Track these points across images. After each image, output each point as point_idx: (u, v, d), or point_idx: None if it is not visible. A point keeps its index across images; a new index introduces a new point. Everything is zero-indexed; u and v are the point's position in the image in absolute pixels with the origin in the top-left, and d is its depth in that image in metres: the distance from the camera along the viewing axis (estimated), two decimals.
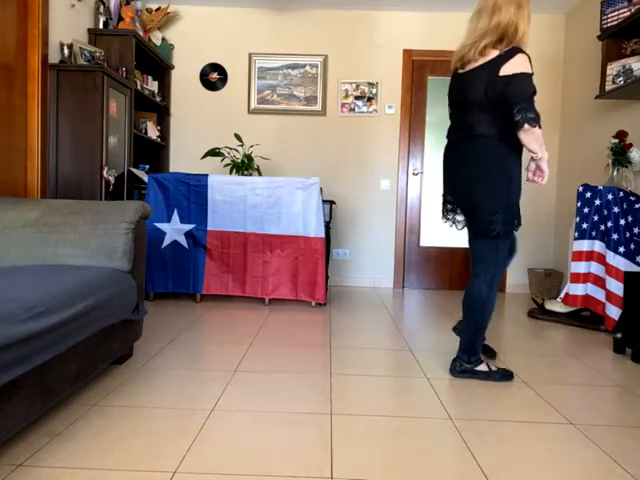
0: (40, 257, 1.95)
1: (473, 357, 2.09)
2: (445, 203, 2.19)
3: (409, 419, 1.65)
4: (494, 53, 1.91)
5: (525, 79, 1.84)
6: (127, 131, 3.61)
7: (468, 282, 2.13)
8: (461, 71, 2.04)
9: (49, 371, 1.43)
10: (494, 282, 2.04)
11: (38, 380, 1.38)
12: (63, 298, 1.47)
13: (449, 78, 2.14)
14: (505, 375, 2.08)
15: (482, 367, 2.09)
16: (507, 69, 1.85)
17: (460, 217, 2.15)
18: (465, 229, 2.16)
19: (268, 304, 3.48)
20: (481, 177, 1.95)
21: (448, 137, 2.15)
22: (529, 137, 1.86)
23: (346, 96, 4.47)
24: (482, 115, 1.94)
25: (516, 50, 1.87)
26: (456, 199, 2.11)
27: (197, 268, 3.45)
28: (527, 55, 1.88)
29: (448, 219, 2.19)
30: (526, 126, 1.83)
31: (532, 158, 1.96)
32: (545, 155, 1.91)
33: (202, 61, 4.49)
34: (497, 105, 1.89)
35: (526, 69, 1.85)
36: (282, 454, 1.39)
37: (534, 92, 1.85)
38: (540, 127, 1.85)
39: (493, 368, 2.10)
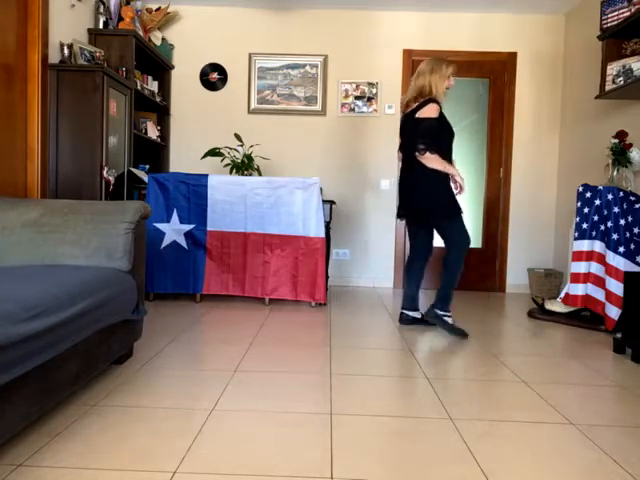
0: (40, 257, 1.95)
1: (445, 306, 2.81)
2: (399, 209, 2.99)
3: (409, 419, 1.65)
4: (415, 105, 2.77)
5: (428, 122, 2.68)
6: (127, 131, 3.61)
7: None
8: (402, 117, 2.93)
9: (49, 371, 1.43)
10: (462, 250, 2.77)
11: (38, 380, 1.37)
12: (63, 298, 1.47)
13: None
14: (462, 333, 2.73)
15: (449, 320, 2.80)
16: (420, 113, 2.71)
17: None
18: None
19: (268, 304, 3.48)
20: (428, 189, 2.75)
21: (402, 161, 2.95)
22: (425, 160, 2.70)
23: (346, 96, 4.47)
24: (411, 149, 2.74)
25: (429, 101, 2.71)
26: (413, 206, 2.86)
27: (197, 268, 3.45)
28: (437, 104, 2.70)
29: (401, 217, 3.03)
30: (416, 154, 2.69)
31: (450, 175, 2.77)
32: (451, 171, 2.73)
33: (202, 61, 4.49)
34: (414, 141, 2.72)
35: (430, 115, 2.68)
36: (282, 454, 1.39)
37: (434, 131, 2.68)
38: (432, 153, 2.66)
39: (456, 325, 2.79)
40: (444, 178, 2.77)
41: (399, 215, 3.01)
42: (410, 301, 3.01)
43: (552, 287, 4.16)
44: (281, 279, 3.43)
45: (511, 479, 1.30)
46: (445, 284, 2.82)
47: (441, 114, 2.73)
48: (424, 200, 2.79)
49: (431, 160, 2.69)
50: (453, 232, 2.79)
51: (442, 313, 2.81)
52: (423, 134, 2.68)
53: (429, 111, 2.69)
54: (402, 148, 2.94)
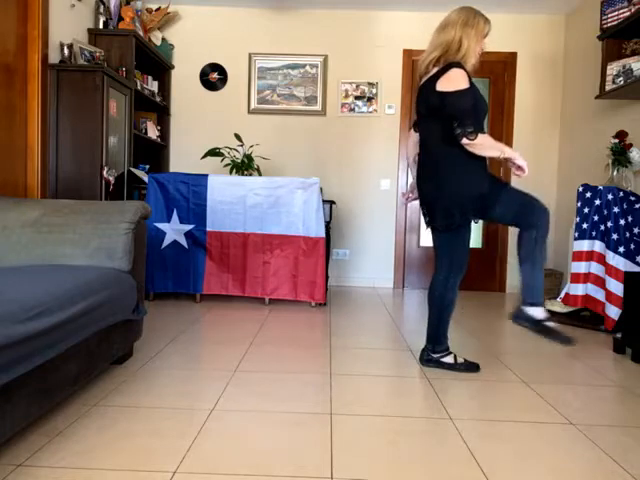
0: (40, 257, 1.95)
1: (438, 347, 2.18)
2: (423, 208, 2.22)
3: (409, 419, 1.65)
4: (435, 69, 2.04)
5: (458, 96, 1.94)
6: (127, 131, 3.61)
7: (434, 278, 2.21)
8: (420, 83, 2.15)
9: (49, 371, 1.43)
10: (450, 279, 2.12)
11: (38, 380, 1.37)
12: (63, 298, 1.47)
13: None
14: (470, 366, 2.16)
15: (448, 359, 2.18)
16: (442, 85, 1.97)
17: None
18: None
19: (268, 304, 3.48)
20: (439, 183, 2.06)
21: (420, 146, 2.22)
22: (475, 149, 1.96)
23: (346, 96, 4.47)
24: (431, 125, 2.07)
25: (451, 65, 1.97)
26: (427, 203, 2.17)
27: (197, 268, 3.45)
28: (463, 69, 1.97)
29: (427, 224, 2.22)
30: (464, 140, 1.93)
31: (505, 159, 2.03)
32: (509, 153, 2.00)
33: (202, 61, 4.49)
34: (437, 116, 2.02)
35: (459, 85, 1.94)
36: (282, 454, 1.39)
37: (471, 104, 1.95)
38: (483, 134, 1.95)
39: (459, 360, 2.18)
40: (477, 166, 2.05)
41: (427, 223, 2.21)
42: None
43: (552, 287, 4.16)
44: (281, 279, 3.43)
45: (511, 479, 1.30)
46: (431, 319, 2.17)
47: (471, 83, 1.98)
48: (442, 196, 2.06)
49: (484, 145, 1.95)
50: (452, 245, 2.11)
51: (437, 356, 2.17)
52: (462, 113, 1.92)
53: (456, 80, 1.94)
54: (418, 125, 2.23)
